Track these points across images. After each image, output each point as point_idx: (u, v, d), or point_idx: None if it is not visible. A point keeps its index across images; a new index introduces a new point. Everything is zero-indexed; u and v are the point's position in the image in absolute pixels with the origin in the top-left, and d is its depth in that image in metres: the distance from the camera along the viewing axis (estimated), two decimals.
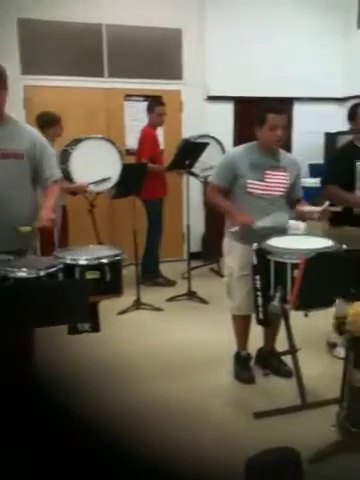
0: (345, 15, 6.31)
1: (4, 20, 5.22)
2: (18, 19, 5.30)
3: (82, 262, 2.56)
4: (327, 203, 3.00)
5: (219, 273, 5.35)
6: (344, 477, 2.21)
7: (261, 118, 2.93)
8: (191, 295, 4.69)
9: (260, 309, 2.90)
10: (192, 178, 5.10)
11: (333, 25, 6.32)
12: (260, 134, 2.98)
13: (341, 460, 2.29)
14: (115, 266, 2.61)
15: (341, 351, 3.46)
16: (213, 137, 5.28)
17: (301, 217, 3.12)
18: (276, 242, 2.87)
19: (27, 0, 5.21)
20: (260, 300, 2.88)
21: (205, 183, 5.50)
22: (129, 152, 5.40)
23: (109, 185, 4.46)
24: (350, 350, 2.10)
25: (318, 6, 6.14)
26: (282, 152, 3.10)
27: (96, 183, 4.39)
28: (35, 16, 5.30)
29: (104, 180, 4.40)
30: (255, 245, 2.85)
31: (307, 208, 3.10)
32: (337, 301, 2.71)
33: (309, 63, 6.19)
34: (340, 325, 3.24)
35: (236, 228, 2.89)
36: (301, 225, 4.59)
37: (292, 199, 3.16)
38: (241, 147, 3.11)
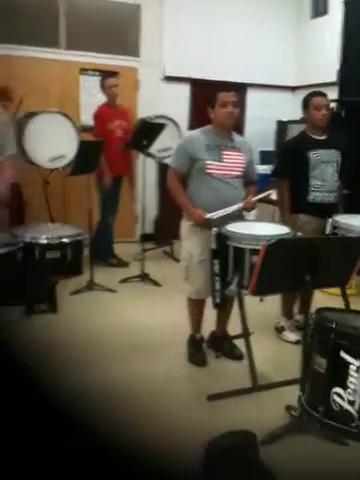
0: (298, 5, 6.39)
1: None
2: None
3: (42, 241, 2.50)
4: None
5: (172, 256, 5.37)
6: (295, 458, 2.29)
7: (212, 99, 3.01)
8: (144, 277, 4.67)
9: (217, 293, 2.96)
10: (148, 159, 5.04)
11: (287, 14, 6.39)
12: (214, 115, 3.04)
13: (293, 441, 2.38)
14: (76, 246, 2.57)
15: (289, 335, 3.59)
16: (170, 118, 5.22)
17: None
18: (235, 227, 2.92)
19: None
20: (218, 284, 2.93)
21: (161, 164, 5.46)
22: (84, 128, 5.24)
23: (65, 162, 4.32)
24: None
25: None
26: (235, 134, 3.16)
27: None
28: None
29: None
30: (214, 230, 2.89)
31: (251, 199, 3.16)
32: None
33: (263, 51, 6.25)
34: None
35: (191, 223, 2.98)
36: (252, 211, 4.66)
37: (246, 181, 3.20)
38: (197, 130, 3.14)
